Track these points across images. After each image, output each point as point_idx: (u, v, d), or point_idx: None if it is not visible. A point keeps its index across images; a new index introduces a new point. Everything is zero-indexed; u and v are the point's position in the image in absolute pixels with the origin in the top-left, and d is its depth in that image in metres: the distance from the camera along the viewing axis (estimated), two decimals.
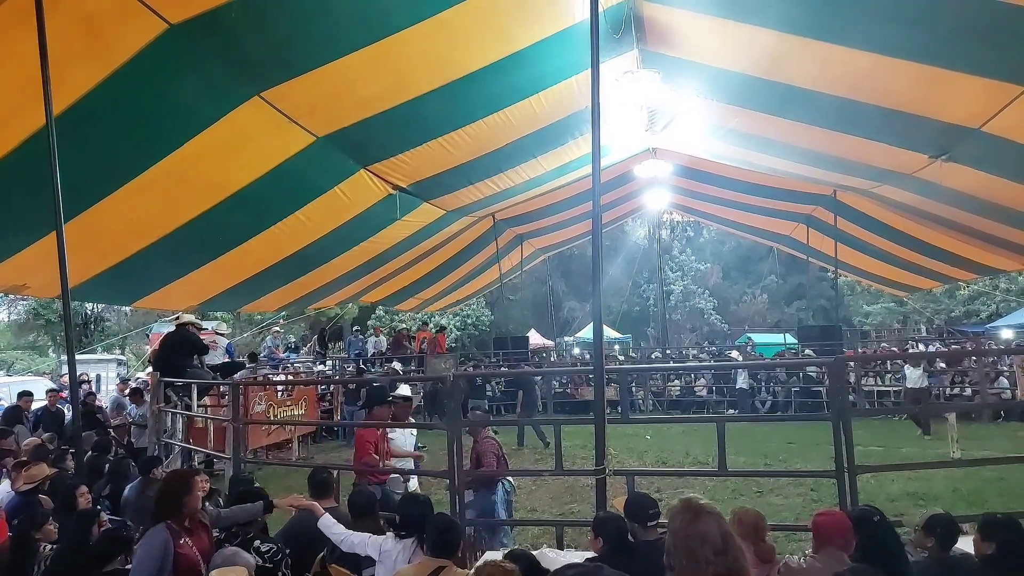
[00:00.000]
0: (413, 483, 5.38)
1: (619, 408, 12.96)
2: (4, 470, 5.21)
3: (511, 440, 10.11)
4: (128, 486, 4.89)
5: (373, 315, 25.67)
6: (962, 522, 3.10)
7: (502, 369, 15.14)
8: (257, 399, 9.01)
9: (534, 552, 3.06)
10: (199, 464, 6.76)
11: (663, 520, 2.98)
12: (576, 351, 22.79)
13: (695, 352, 20.47)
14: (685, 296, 30.94)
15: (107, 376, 18.63)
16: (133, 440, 8.22)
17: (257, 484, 4.31)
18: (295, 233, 7.56)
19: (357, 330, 17.36)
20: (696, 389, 15.23)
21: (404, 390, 5.72)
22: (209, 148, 5.35)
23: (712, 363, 16.29)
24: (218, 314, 18.17)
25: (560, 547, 4.10)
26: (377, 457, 4.96)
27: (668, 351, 20.59)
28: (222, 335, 9.96)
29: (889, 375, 13.79)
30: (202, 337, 7.84)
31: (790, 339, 18.43)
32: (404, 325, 22.51)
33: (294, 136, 5.86)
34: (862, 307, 28.41)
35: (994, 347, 16.53)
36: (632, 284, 29.12)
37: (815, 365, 13.08)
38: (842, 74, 5.42)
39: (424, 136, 6.73)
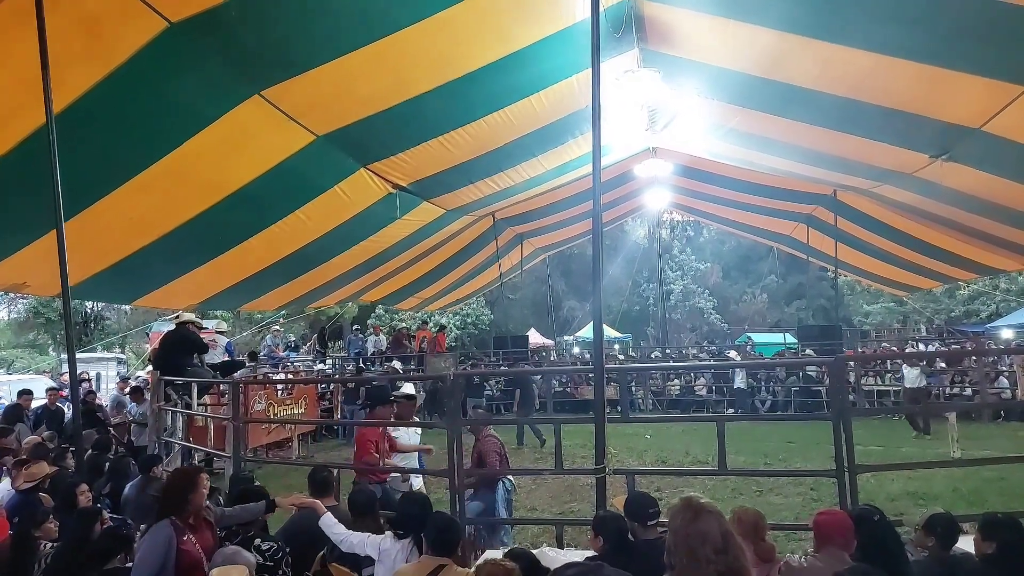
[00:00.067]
0: (418, 481, 5.38)
1: (619, 407, 12.94)
2: (4, 468, 5.21)
3: (510, 439, 10.11)
4: (128, 484, 4.89)
5: (373, 314, 25.69)
6: (962, 522, 3.10)
7: (501, 368, 15.12)
8: (257, 398, 9.01)
9: (534, 551, 3.07)
10: (199, 463, 6.76)
11: (663, 519, 2.99)
12: (576, 350, 22.78)
13: (695, 352, 20.45)
14: (685, 295, 30.94)
15: (107, 375, 18.64)
16: (133, 438, 8.23)
17: (257, 483, 4.32)
18: (295, 232, 7.56)
19: (357, 329, 17.37)
20: (696, 388, 15.24)
21: (408, 388, 5.72)
22: (209, 147, 5.34)
23: (712, 362, 16.28)
24: (218, 313, 18.19)
25: (560, 546, 4.10)
26: (377, 456, 4.96)
27: (668, 350, 20.59)
28: (222, 334, 9.96)
29: (889, 375, 13.80)
30: (202, 336, 7.84)
31: (790, 339, 18.42)
32: (404, 324, 22.52)
33: (294, 135, 5.86)
34: (862, 307, 28.40)
35: (994, 347, 16.53)
36: (632, 283, 29.14)
37: (815, 365, 13.08)
38: (843, 73, 5.42)
39: (424, 135, 6.73)
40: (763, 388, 14.41)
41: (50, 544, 3.46)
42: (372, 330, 17.12)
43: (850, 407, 4.31)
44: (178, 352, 7.05)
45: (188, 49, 4.35)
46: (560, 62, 6.14)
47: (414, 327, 19.53)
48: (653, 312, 29.56)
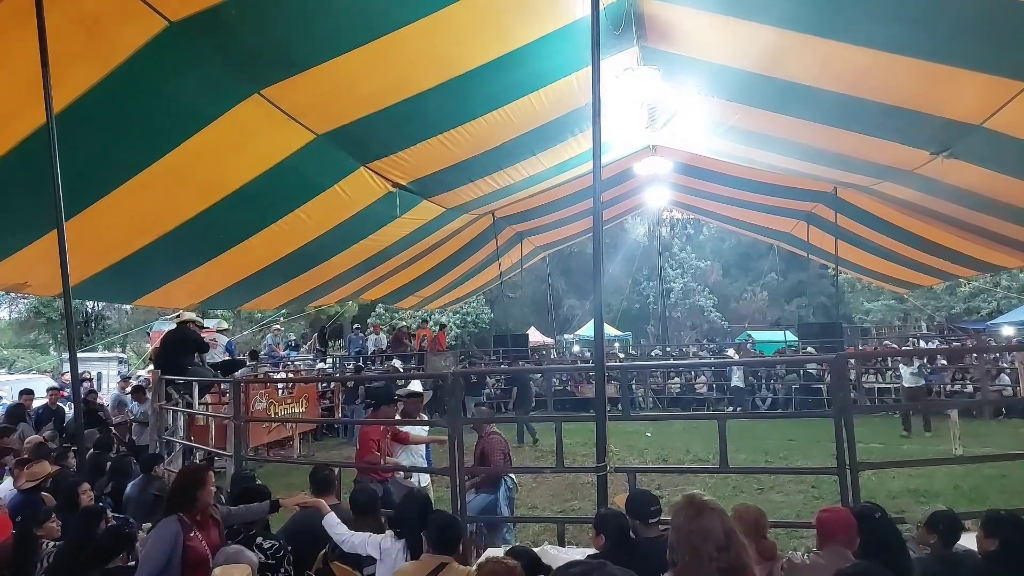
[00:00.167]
0: (426, 478, 5.38)
1: (619, 405, 12.92)
2: (6, 468, 5.21)
3: (510, 438, 10.11)
4: (130, 483, 4.90)
5: (373, 313, 25.69)
6: (963, 519, 3.09)
7: (501, 366, 15.12)
8: (258, 397, 9.02)
9: (536, 549, 3.07)
10: (200, 461, 6.76)
11: (664, 517, 2.99)
12: (576, 349, 22.78)
13: (695, 350, 20.43)
14: (685, 294, 30.94)
15: (108, 374, 18.65)
16: (135, 437, 8.24)
17: (259, 481, 4.32)
18: (295, 231, 7.56)
19: (357, 328, 17.38)
20: (696, 386, 15.25)
21: (415, 386, 5.72)
22: (209, 146, 5.34)
23: (712, 360, 16.28)
24: (218, 312, 18.19)
25: (561, 544, 4.10)
26: (379, 454, 4.96)
27: (668, 349, 20.58)
28: (222, 332, 9.95)
29: (890, 372, 13.80)
30: (202, 335, 7.84)
31: (790, 336, 18.42)
32: (404, 323, 22.52)
33: (294, 134, 5.86)
34: (862, 304, 28.40)
35: (995, 344, 16.53)
36: (632, 282, 29.17)
37: (816, 362, 13.07)
38: (843, 70, 5.41)
39: (424, 133, 6.73)
40: (763, 386, 14.42)
41: (52, 543, 3.46)
42: (372, 329, 17.14)
43: (851, 404, 4.31)
44: (179, 351, 7.05)
45: (188, 48, 4.34)
46: (560, 60, 6.13)
47: (414, 326, 19.53)
48: (653, 310, 29.58)
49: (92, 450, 5.90)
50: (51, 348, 27.71)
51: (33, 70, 3.77)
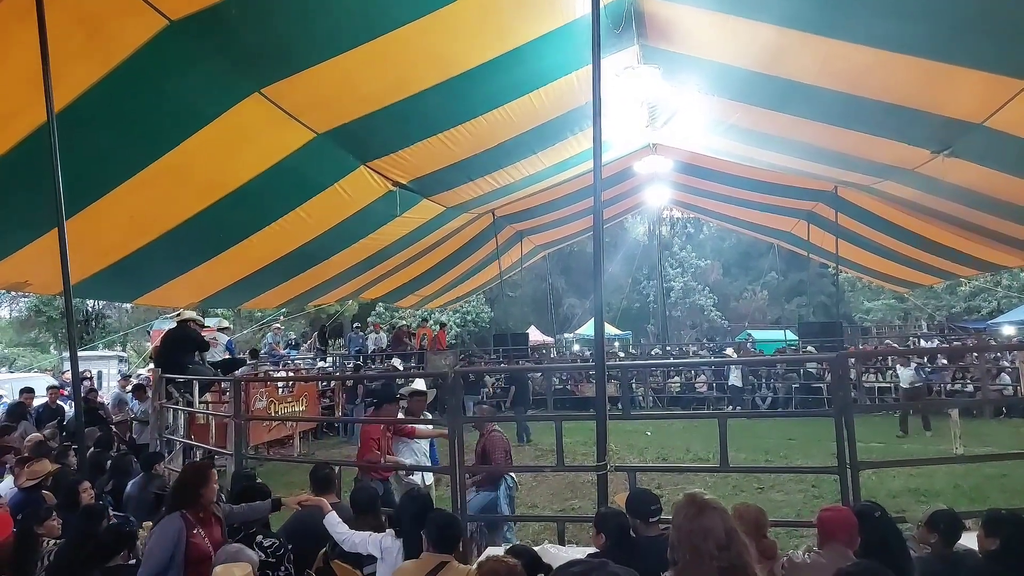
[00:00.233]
0: (430, 476, 5.38)
1: (619, 404, 12.91)
2: (7, 466, 5.22)
3: (510, 437, 10.11)
4: (130, 482, 4.90)
5: (373, 312, 25.68)
6: (964, 518, 3.09)
7: (498, 365, 15.11)
8: (258, 395, 9.02)
9: (536, 548, 3.07)
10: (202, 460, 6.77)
11: (664, 516, 2.99)
12: (576, 348, 22.78)
13: (695, 349, 20.44)
14: (685, 293, 30.95)
15: (108, 373, 18.65)
16: (135, 436, 8.23)
17: (259, 480, 4.32)
18: (295, 230, 7.56)
19: (357, 327, 17.35)
20: (696, 385, 15.25)
21: (419, 384, 5.72)
22: (210, 145, 5.34)
23: (713, 359, 16.28)
24: (218, 311, 18.20)
25: (562, 543, 4.11)
26: (379, 453, 4.97)
27: (668, 348, 20.58)
28: (223, 331, 9.95)
29: (890, 371, 13.80)
30: (202, 334, 7.84)
31: (791, 336, 18.42)
32: (404, 322, 22.52)
33: (294, 133, 5.86)
34: (863, 303, 28.39)
35: (995, 343, 16.52)
36: (632, 281, 29.19)
37: (817, 361, 13.07)
38: (843, 69, 5.40)
39: (424, 132, 6.72)
40: (763, 385, 14.42)
41: (53, 541, 3.47)
42: (372, 328, 17.11)
43: (852, 404, 4.31)
44: (179, 350, 7.06)
45: (188, 47, 4.34)
46: (560, 59, 6.13)
47: (414, 324, 19.52)
48: (653, 309, 29.59)
49: (93, 448, 5.90)
50: (51, 347, 27.72)
51: (34, 69, 3.77)
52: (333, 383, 12.13)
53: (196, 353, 7.28)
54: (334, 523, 3.40)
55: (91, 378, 13.40)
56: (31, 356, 26.62)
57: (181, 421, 6.81)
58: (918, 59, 4.85)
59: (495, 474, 5.06)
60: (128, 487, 4.87)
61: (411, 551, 2.96)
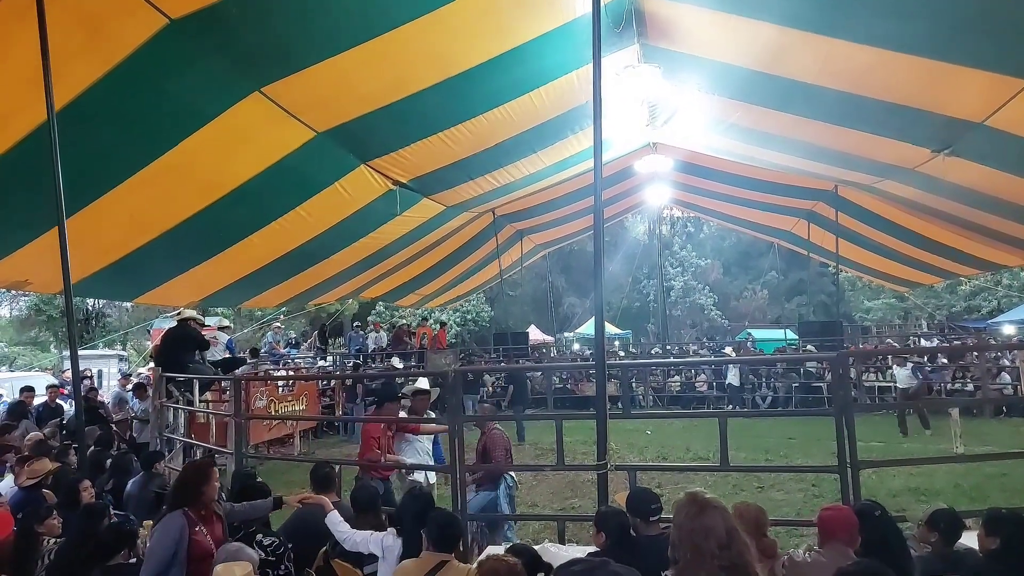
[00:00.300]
0: (432, 475, 5.38)
1: (620, 404, 12.91)
2: (7, 465, 5.22)
3: (510, 436, 10.11)
4: (131, 481, 4.90)
5: (373, 311, 25.68)
6: (964, 517, 3.09)
7: (495, 364, 15.11)
8: (259, 394, 9.02)
9: (536, 547, 3.07)
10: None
11: (665, 515, 2.99)
12: (576, 347, 22.78)
13: (695, 348, 20.44)
14: (685, 292, 30.96)
15: (109, 372, 18.64)
16: (135, 435, 8.23)
17: (259, 479, 4.32)
18: (295, 229, 7.56)
19: (357, 326, 17.35)
20: (696, 385, 15.26)
21: (423, 383, 5.71)
22: (209, 143, 5.34)
23: (712, 359, 16.29)
24: (219, 309, 18.20)
25: (562, 542, 4.10)
26: (379, 452, 4.97)
27: (668, 347, 20.58)
28: (223, 330, 9.95)
29: (890, 371, 13.81)
30: (203, 333, 7.84)
31: (791, 335, 18.42)
32: (404, 321, 22.52)
33: (294, 131, 5.85)
34: (863, 303, 28.39)
35: (995, 343, 16.52)
36: (632, 280, 29.19)
37: (817, 361, 13.08)
38: (844, 68, 5.40)
39: (424, 132, 6.73)
40: (763, 384, 14.43)
41: (53, 540, 3.47)
42: (373, 327, 17.11)
43: (852, 403, 4.31)
44: (180, 349, 7.05)
45: (188, 46, 4.34)
46: (560, 58, 6.12)
47: (415, 324, 19.51)
48: (653, 308, 29.59)
49: (93, 447, 5.90)
50: (52, 346, 27.71)
51: (34, 67, 3.77)
52: (333, 382, 12.14)
53: (196, 352, 7.28)
54: (336, 522, 3.40)
55: (91, 377, 13.38)
56: (31, 355, 26.61)
57: (181, 420, 6.81)
58: (919, 58, 4.85)
59: (495, 473, 5.05)
60: (128, 486, 4.86)
61: (411, 550, 2.96)
